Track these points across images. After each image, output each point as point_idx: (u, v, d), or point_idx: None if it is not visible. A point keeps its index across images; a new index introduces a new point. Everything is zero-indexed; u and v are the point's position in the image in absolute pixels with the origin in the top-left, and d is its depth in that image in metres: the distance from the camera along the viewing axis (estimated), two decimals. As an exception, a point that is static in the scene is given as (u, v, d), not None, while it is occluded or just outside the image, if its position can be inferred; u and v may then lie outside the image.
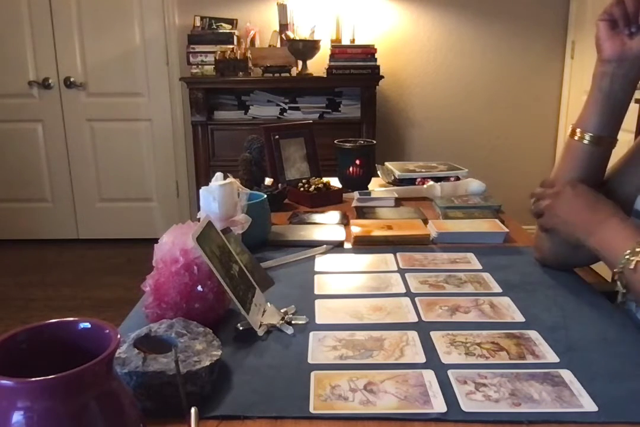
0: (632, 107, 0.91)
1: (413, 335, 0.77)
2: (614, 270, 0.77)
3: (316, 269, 1.03)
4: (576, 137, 0.91)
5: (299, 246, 1.13)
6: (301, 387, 0.65)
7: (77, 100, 3.46)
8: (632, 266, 0.73)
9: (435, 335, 0.77)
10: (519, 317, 0.83)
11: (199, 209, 1.05)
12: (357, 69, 3.06)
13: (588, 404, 0.62)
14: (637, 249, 0.74)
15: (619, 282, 0.76)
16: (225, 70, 3.05)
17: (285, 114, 3.16)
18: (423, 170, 1.64)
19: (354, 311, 0.85)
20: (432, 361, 0.71)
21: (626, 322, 0.82)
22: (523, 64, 3.37)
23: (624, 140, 0.93)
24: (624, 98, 0.88)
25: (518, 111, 3.45)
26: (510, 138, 3.49)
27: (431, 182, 1.53)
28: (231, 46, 3.10)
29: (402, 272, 1.01)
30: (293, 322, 0.81)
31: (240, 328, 0.78)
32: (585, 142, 0.90)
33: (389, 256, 1.08)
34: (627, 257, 0.74)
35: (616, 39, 0.85)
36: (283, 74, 3.09)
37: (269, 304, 0.84)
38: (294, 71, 3.15)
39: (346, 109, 3.16)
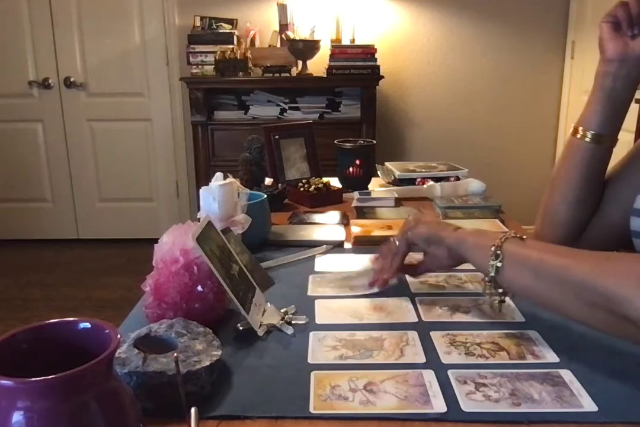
0: (632, 107, 0.91)
1: (413, 335, 0.77)
2: (485, 278, 0.75)
3: (316, 269, 1.03)
4: (578, 136, 0.92)
5: (299, 246, 1.13)
6: (301, 387, 0.65)
7: (77, 100, 3.46)
8: (494, 273, 0.72)
9: (435, 335, 0.77)
10: (519, 317, 0.83)
11: (199, 209, 1.05)
12: (357, 69, 3.06)
13: (588, 404, 0.62)
14: (498, 252, 0.72)
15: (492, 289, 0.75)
16: (225, 70, 3.05)
17: (285, 114, 3.16)
18: (423, 170, 1.64)
19: (354, 311, 0.85)
20: (432, 361, 0.71)
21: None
22: (523, 64, 3.37)
23: (624, 140, 0.94)
24: (626, 97, 0.89)
25: (518, 111, 3.45)
26: (510, 138, 3.49)
27: (431, 182, 1.53)
28: (231, 46, 3.10)
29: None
30: (293, 322, 0.81)
31: (240, 328, 0.78)
32: (587, 140, 0.91)
33: (389, 256, 1.08)
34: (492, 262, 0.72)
35: (619, 40, 0.86)
36: (283, 74, 3.09)
37: (269, 304, 0.84)
38: (294, 71, 3.15)
39: (346, 109, 3.16)
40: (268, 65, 3.09)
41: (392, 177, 1.66)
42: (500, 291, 0.75)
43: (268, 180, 1.48)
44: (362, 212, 1.35)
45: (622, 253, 0.89)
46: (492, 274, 0.72)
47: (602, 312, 0.62)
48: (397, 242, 0.88)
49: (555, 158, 3.48)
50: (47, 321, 0.52)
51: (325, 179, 1.54)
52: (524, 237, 0.73)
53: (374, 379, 0.67)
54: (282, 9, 3.16)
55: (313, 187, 1.47)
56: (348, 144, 1.59)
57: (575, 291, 0.64)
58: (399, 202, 1.45)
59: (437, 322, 0.81)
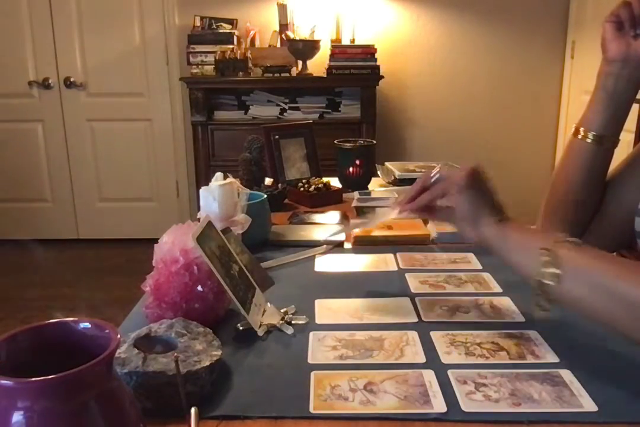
0: (633, 107, 0.91)
1: (413, 335, 0.77)
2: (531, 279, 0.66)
3: (316, 269, 1.03)
4: (579, 136, 0.91)
5: (299, 246, 1.13)
6: (301, 387, 0.65)
7: (77, 100, 3.46)
8: (552, 281, 0.64)
9: (435, 335, 0.77)
10: (519, 317, 0.83)
11: (199, 209, 1.05)
12: (357, 69, 3.06)
13: (588, 404, 0.62)
14: (545, 259, 0.65)
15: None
16: (225, 70, 3.05)
17: (285, 114, 3.16)
18: (423, 170, 1.64)
19: (354, 311, 0.85)
20: (432, 361, 0.71)
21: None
22: (523, 64, 3.37)
23: (625, 140, 0.93)
24: (628, 98, 0.88)
25: (518, 111, 3.45)
26: (510, 138, 3.49)
27: (431, 182, 1.52)
28: (231, 46, 3.10)
29: (402, 272, 1.01)
30: (293, 322, 0.81)
31: (240, 328, 0.78)
32: (589, 141, 0.90)
33: (389, 256, 1.08)
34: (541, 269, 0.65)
35: (622, 40, 0.86)
36: (283, 74, 3.09)
37: (269, 304, 0.84)
38: (294, 71, 3.15)
39: (346, 109, 3.16)
40: (268, 65, 3.09)
41: (392, 177, 1.65)
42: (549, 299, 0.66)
43: (268, 180, 1.48)
44: (362, 212, 1.35)
45: None
46: (550, 282, 0.64)
47: None
48: (433, 181, 0.86)
49: (555, 158, 3.48)
50: (47, 321, 0.51)
51: (325, 179, 1.54)
52: (579, 242, 0.66)
53: (374, 379, 0.67)
54: (282, 9, 3.16)
55: (313, 187, 1.47)
56: (348, 144, 1.59)
57: (631, 308, 0.60)
58: (399, 202, 1.45)
59: (437, 322, 0.81)
